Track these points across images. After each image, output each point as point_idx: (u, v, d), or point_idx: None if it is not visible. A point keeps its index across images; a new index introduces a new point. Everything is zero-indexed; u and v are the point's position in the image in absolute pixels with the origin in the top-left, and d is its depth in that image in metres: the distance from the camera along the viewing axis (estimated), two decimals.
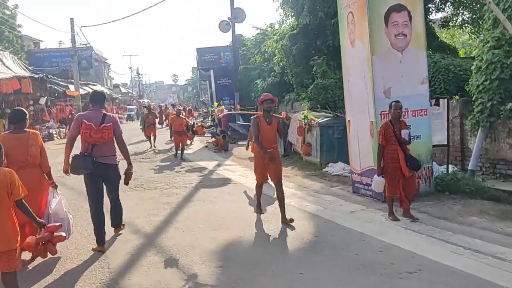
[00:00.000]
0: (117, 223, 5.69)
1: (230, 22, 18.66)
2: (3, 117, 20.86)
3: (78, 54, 31.58)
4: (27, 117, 4.91)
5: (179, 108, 17.46)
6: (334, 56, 15.12)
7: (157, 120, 19.33)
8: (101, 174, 5.15)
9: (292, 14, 18.04)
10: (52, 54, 43.53)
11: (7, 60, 21.29)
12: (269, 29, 27.53)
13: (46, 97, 24.84)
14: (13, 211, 3.45)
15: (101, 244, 5.15)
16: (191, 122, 17.49)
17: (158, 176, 10.31)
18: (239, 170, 10.90)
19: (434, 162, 7.59)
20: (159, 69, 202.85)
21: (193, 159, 13.48)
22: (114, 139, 5.29)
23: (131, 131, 26.20)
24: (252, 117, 6.51)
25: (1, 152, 3.50)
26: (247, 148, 9.80)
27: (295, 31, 18.73)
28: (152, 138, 16.59)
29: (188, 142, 16.15)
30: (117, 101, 50.34)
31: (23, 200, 3.50)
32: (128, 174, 5.45)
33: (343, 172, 9.64)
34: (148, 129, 16.77)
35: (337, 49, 17.02)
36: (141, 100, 64.08)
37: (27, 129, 4.85)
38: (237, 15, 18.33)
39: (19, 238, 3.49)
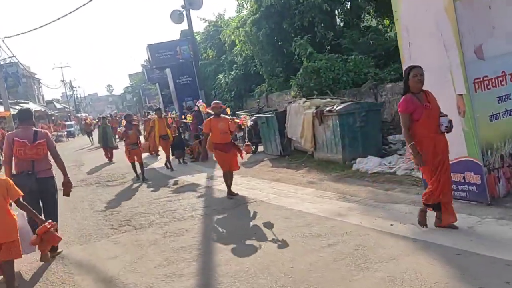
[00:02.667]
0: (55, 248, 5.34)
1: (185, 11, 16.13)
2: None
3: (3, 71, 27.54)
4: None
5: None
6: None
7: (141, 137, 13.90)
8: (41, 190, 5.18)
9: None
10: None
11: None
12: (219, 20, 25.16)
13: None
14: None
15: None
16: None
17: (144, 204, 7.77)
18: (243, 182, 8.59)
19: None
20: (92, 81, 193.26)
21: (174, 174, 10.96)
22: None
23: (77, 149, 22.91)
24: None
25: None
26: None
27: (257, 15, 16.61)
28: (137, 164, 10.91)
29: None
30: (53, 118, 45.72)
31: (21, 199, 4.20)
32: (67, 184, 5.44)
33: (382, 168, 7.65)
34: (132, 151, 10.68)
35: (307, 29, 15.40)
36: (78, 115, 59.25)
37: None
38: (193, 1, 15.84)
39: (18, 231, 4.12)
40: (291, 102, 11.03)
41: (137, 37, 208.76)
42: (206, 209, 6.75)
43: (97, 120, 29.75)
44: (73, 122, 48.10)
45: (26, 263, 5.07)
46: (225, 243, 5.05)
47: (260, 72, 17.86)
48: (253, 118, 12.80)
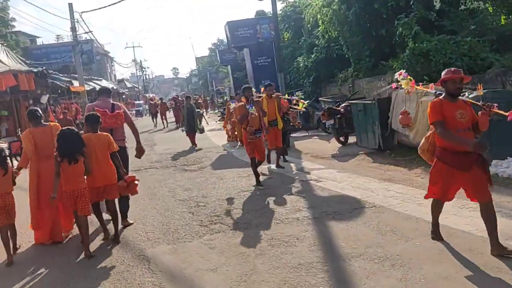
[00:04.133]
0: (125, 216, 5.68)
1: None
2: None
3: (79, 46, 27.85)
4: (40, 112, 5.45)
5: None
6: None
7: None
8: None
9: None
10: (50, 50, 39.67)
11: None
12: (298, 0, 23.62)
13: (48, 95, 21.19)
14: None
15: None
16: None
17: (233, 196, 6.68)
18: (345, 179, 7.25)
19: None
20: (159, 63, 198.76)
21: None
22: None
23: (147, 129, 22.53)
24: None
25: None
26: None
27: None
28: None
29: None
30: (124, 96, 46.68)
31: (116, 153, 5.09)
32: (140, 149, 6.03)
33: None
34: (255, 142, 7.38)
35: (402, 10, 13.58)
36: (146, 95, 60.37)
37: (46, 123, 5.54)
38: None
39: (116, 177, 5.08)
40: (397, 87, 9.42)
41: (206, 19, 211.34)
42: (312, 211, 5.50)
43: (170, 101, 28.57)
44: (141, 102, 48.95)
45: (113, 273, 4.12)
46: (363, 267, 3.76)
47: (347, 56, 16.29)
48: (344, 105, 11.38)
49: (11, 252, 4.77)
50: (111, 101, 5.89)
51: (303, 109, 10.51)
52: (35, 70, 18.87)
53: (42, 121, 5.42)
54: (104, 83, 36.21)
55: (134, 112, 41.87)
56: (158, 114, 25.06)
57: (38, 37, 42.81)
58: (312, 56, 18.70)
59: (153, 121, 25.44)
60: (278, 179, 7.73)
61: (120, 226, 5.32)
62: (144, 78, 72.86)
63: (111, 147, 5.03)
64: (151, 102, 30.23)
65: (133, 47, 59.79)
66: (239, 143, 12.38)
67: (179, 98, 25.18)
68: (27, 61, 21.57)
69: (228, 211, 5.86)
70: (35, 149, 5.10)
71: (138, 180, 5.37)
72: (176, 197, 7.00)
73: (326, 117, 11.30)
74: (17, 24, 33.57)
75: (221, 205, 6.24)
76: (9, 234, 4.81)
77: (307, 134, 14.07)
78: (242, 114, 7.39)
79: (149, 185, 8.25)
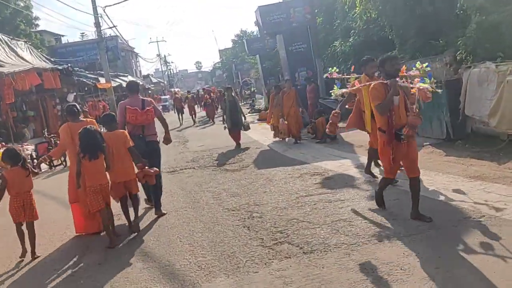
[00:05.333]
0: (158, 206, 5.92)
1: None
2: (26, 122, 16.68)
3: (104, 42, 27.19)
4: (78, 108, 5.84)
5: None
6: None
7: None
8: (149, 151, 5.80)
9: None
10: (75, 48, 39.55)
11: (22, 51, 17.01)
12: None
13: (74, 93, 20.59)
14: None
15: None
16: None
17: (292, 204, 5.57)
18: (422, 178, 6.04)
19: None
20: (182, 58, 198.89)
21: (303, 158, 8.74)
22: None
23: (175, 125, 21.48)
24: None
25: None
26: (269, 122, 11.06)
27: None
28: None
29: None
30: (149, 92, 46.19)
31: (132, 147, 5.34)
32: (168, 138, 6.44)
33: None
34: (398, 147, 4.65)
35: None
36: (171, 89, 59.87)
37: (84, 119, 6.00)
38: None
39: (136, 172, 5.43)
40: (469, 67, 8.12)
41: (229, 10, 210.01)
42: (403, 225, 4.33)
43: (203, 93, 25.93)
44: (167, 97, 48.40)
45: None
46: None
47: (390, 37, 14.89)
48: None
49: (24, 246, 5.00)
50: (141, 97, 6.17)
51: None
52: (60, 67, 18.24)
53: (80, 117, 5.81)
54: (130, 79, 35.68)
55: (161, 107, 41.33)
56: (185, 110, 23.45)
57: (63, 35, 42.91)
58: (350, 40, 17.35)
59: (179, 118, 22.72)
60: (340, 180, 6.57)
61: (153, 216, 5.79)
62: (169, 72, 72.50)
63: (127, 143, 5.33)
64: (176, 96, 28.26)
65: (157, 41, 59.13)
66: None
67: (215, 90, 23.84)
68: (52, 59, 20.97)
69: (292, 225, 4.76)
70: (72, 143, 5.35)
71: (156, 171, 5.59)
72: (224, 205, 5.96)
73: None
74: (41, 23, 33.36)
75: (281, 216, 5.15)
76: (27, 234, 5.02)
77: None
78: (384, 101, 4.31)
79: (189, 189, 7.25)
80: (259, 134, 13.34)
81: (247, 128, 11.81)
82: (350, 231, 4.34)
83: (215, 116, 21.48)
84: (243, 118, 11.67)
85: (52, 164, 12.99)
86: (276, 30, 15.60)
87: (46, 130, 15.67)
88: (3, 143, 13.22)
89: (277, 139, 11.68)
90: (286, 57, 15.82)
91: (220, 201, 6.19)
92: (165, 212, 5.88)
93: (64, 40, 42.68)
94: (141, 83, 41.19)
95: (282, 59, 16.25)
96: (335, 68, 6.89)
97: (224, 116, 11.93)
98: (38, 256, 4.95)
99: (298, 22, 15.50)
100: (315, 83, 14.29)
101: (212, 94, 24.05)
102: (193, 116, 22.31)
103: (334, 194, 5.78)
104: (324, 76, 8.50)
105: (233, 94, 12.53)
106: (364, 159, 7.90)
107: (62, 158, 13.18)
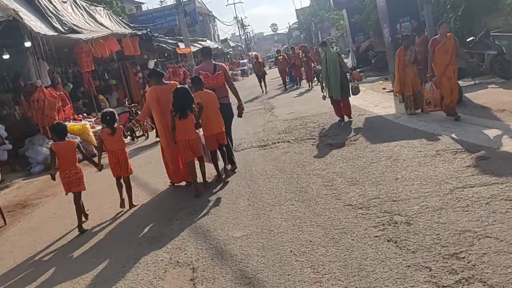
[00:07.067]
0: (230, 160, 6.34)
1: None
2: (108, 90, 16.25)
3: (182, 7, 26.24)
4: (162, 71, 6.35)
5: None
6: None
7: None
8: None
9: None
10: (155, 15, 39.50)
11: (100, 17, 16.39)
12: None
13: (155, 59, 19.93)
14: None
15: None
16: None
17: (445, 202, 3.86)
18: None
19: None
20: (258, 21, 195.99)
21: (431, 129, 6.86)
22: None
23: (252, 91, 19.95)
24: None
25: None
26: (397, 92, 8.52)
27: None
28: None
29: None
30: (228, 56, 45.30)
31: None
32: (241, 107, 6.50)
33: None
34: None
35: None
36: (249, 53, 58.55)
37: (167, 81, 6.35)
38: None
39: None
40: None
41: None
42: None
43: (295, 53, 20.02)
44: (246, 61, 47.28)
45: None
46: None
47: None
48: None
49: (122, 197, 5.69)
50: (213, 62, 6.52)
51: None
52: (139, 32, 17.49)
53: (164, 80, 6.16)
54: (209, 44, 34.80)
55: (240, 72, 40.28)
56: (266, 76, 20.03)
57: (143, 3, 42.96)
58: None
59: (260, 86, 19.52)
60: (504, 162, 4.68)
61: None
62: (246, 36, 71.16)
63: (217, 102, 5.90)
64: (256, 59, 23.80)
65: (234, 3, 57.64)
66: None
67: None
68: (131, 24, 20.39)
69: (470, 243, 3.07)
70: (158, 104, 5.84)
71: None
72: (343, 199, 4.39)
73: None
74: None
75: (442, 223, 3.46)
76: (125, 187, 5.71)
77: (474, 82, 10.54)
78: None
79: (290, 171, 5.79)
80: (358, 98, 11.45)
81: (356, 91, 8.96)
82: None
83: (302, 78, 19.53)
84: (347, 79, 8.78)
85: (134, 135, 12.38)
86: (343, 6, 13.26)
87: (127, 99, 15.09)
88: (85, 114, 12.76)
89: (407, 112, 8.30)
90: (385, 5, 13.45)
91: (336, 192, 4.63)
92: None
93: (143, 8, 42.86)
94: (219, 47, 40.34)
95: (381, 9, 13.90)
96: None
97: (323, 81, 9.24)
98: (136, 205, 5.70)
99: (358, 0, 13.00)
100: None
101: (304, 54, 20.30)
102: (286, 81, 19.56)
103: (509, 185, 3.96)
104: None
105: (333, 51, 9.34)
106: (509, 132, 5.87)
107: (145, 129, 12.55)
